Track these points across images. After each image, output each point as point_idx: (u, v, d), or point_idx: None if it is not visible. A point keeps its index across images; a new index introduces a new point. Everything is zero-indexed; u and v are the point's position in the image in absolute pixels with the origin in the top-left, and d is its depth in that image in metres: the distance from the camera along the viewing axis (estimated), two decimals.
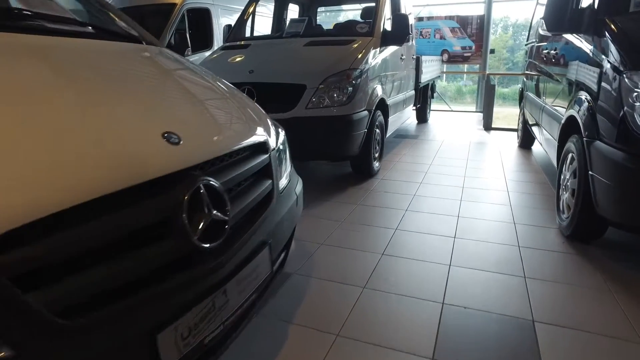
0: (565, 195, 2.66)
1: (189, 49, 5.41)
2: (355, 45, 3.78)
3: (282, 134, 1.85)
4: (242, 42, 4.34)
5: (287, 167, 1.82)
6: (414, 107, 6.71)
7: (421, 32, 10.06)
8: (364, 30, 4.06)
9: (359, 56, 3.62)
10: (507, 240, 2.66)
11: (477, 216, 3.09)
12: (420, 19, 10.09)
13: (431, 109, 8.48)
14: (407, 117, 5.98)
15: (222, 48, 4.40)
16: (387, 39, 4.11)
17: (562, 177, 2.80)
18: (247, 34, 5.15)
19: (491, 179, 4.10)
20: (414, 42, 6.04)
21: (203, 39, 6.00)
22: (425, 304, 1.96)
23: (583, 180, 2.30)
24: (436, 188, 3.80)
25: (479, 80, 10.15)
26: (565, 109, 2.80)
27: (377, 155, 4.22)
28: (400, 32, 4.07)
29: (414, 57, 5.90)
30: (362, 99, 3.61)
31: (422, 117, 7.88)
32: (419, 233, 2.80)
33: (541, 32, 3.70)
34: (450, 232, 2.80)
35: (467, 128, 7.37)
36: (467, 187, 3.80)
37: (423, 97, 7.29)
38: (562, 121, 2.79)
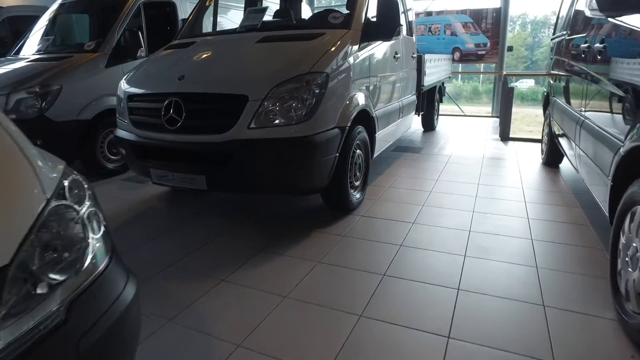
0: (634, 275, 1.64)
1: (142, 49, 4.54)
2: (324, 41, 2.82)
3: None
4: (189, 40, 3.43)
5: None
6: (418, 114, 5.71)
7: (430, 28, 9.03)
8: (338, 21, 3.10)
9: (326, 55, 2.67)
10: (535, 348, 1.68)
11: (486, 289, 2.10)
12: (428, 14, 9.05)
13: (440, 113, 7.45)
14: (407, 127, 4.98)
15: (165, 48, 3.50)
16: (371, 33, 3.14)
17: (621, 239, 1.80)
18: (210, 28, 4.25)
19: (508, 216, 3.09)
20: (414, 37, 5.04)
21: (167, 37, 5.12)
22: None
23: None
24: (433, 232, 2.82)
25: (495, 81, 9.05)
26: (625, 135, 1.80)
27: (358, 183, 3.26)
28: (387, 23, 3.10)
29: (414, 55, 4.90)
30: (330, 113, 2.66)
31: (428, 125, 6.86)
32: (394, 325, 1.83)
33: (589, 14, 2.64)
34: (442, 324, 1.83)
35: (481, 137, 6.33)
36: (475, 232, 2.81)
37: (428, 102, 6.27)
38: (621, 153, 1.79)
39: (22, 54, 4.84)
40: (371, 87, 3.31)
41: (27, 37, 5.06)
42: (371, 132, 3.41)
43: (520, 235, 2.73)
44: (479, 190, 3.69)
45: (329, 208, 3.21)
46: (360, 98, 3.07)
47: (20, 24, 6.20)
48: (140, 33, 4.42)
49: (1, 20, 6.20)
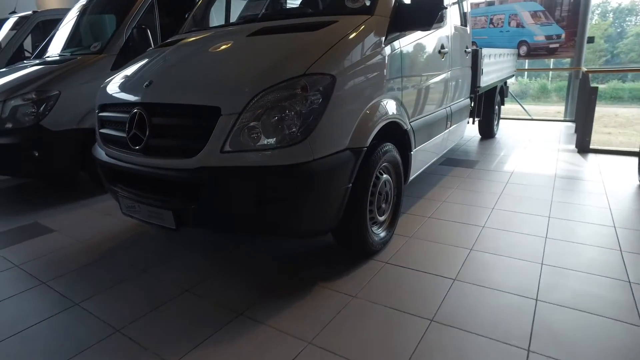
0: None
1: (152, 48, 4.05)
2: (332, 31, 2.09)
3: None
4: (179, 37, 2.85)
5: None
6: (472, 122, 4.79)
7: (491, 19, 7.92)
8: (358, 5, 2.35)
9: (333, 50, 1.94)
10: None
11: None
12: (490, 3, 7.95)
13: (500, 117, 6.39)
14: (458, 137, 4.10)
15: (158, 46, 2.95)
16: (403, 20, 2.36)
17: None
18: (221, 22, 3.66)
19: (595, 275, 2.19)
20: (469, 28, 4.13)
21: None
22: None
23: None
24: (483, 300, 2.00)
25: (570, 79, 7.75)
26: None
27: (384, 217, 2.50)
28: (426, 7, 2.30)
29: (469, 50, 4.01)
30: (337, 130, 1.93)
31: (486, 132, 5.85)
32: None
33: None
34: None
35: (552, 147, 5.24)
36: (544, 302, 1.95)
37: (486, 105, 5.30)
38: None
39: (37, 58, 4.57)
40: (405, 92, 2.53)
41: (48, 41, 4.80)
42: (405, 150, 2.64)
43: (623, 318, 1.84)
44: (550, 228, 2.77)
45: (341, 248, 2.48)
46: (389, 106, 2.30)
47: (54, 28, 6.06)
48: (148, 30, 3.93)
49: (35, 25, 6.08)
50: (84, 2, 4.74)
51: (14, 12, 6.30)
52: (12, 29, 6.06)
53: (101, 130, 2.41)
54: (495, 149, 5.28)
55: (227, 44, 2.27)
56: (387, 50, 2.29)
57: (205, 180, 1.86)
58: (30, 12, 6.02)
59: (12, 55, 5.78)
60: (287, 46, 2.01)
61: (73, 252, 2.70)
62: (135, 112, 2.05)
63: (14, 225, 3.25)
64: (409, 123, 2.62)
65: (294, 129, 1.78)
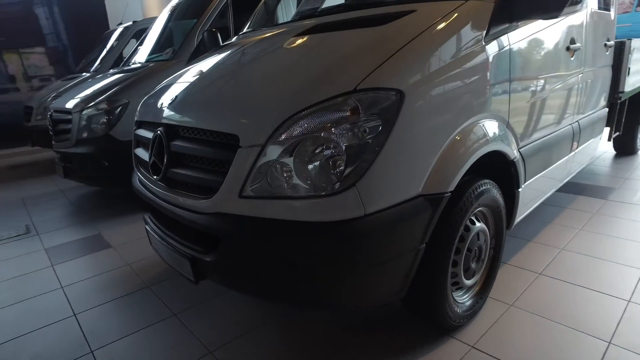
0: None
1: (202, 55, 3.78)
2: (405, 25, 1.46)
3: None
4: (233, 41, 2.44)
5: None
6: (609, 138, 3.71)
7: None
8: None
9: (402, 53, 1.32)
10: None
11: None
12: None
13: None
14: (587, 159, 3.13)
15: (206, 53, 2.58)
16: (518, 4, 1.64)
17: None
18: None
19: None
20: (613, 14, 3.11)
21: None
22: None
23: None
24: None
25: None
26: None
27: (472, 281, 1.81)
28: None
29: (610, 43, 3.01)
30: (403, 170, 1.31)
31: (624, 147, 4.61)
32: None
33: None
34: None
35: None
36: None
37: (630, 115, 4.11)
38: None
39: (124, 66, 4.62)
40: (514, 107, 1.80)
41: (135, 49, 4.85)
42: (511, 186, 1.91)
43: None
44: None
45: (413, 315, 1.85)
46: (488, 129, 1.62)
47: None
48: (218, 34, 3.65)
49: (134, 33, 6.32)
50: (169, 9, 4.69)
51: (120, 23, 6.65)
52: (117, 39, 6.37)
53: (135, 151, 2.10)
54: (637, 170, 4.08)
55: (266, 50, 1.78)
56: (489, 49, 1.60)
57: (219, 230, 1.39)
58: (130, 23, 6.28)
59: (114, 62, 6.08)
60: (336, 50, 1.45)
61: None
62: (157, 135, 1.67)
63: (81, 236, 3.19)
64: (518, 150, 1.88)
65: (336, 170, 1.22)
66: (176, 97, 1.71)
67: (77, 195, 4.39)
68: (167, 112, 1.69)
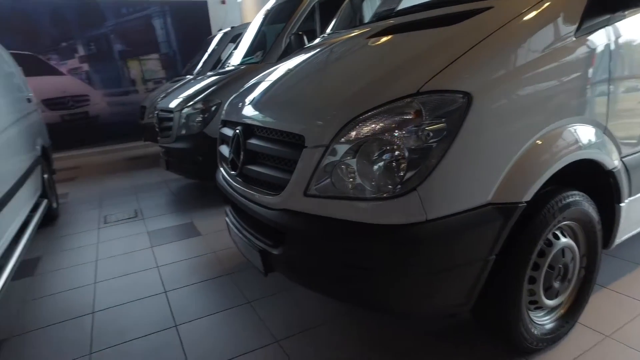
0: None
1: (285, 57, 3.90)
2: (479, 23, 1.38)
3: None
4: (317, 42, 2.51)
5: None
6: None
7: None
8: None
9: (470, 53, 1.25)
10: None
11: None
12: None
13: None
14: None
15: (298, 51, 2.68)
16: None
17: None
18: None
19: None
20: None
21: None
22: None
23: None
24: None
25: None
26: None
27: (556, 303, 1.65)
28: None
29: None
30: (470, 175, 1.25)
31: None
32: None
33: None
34: None
35: None
36: None
37: None
38: None
39: (220, 69, 4.99)
40: (613, 110, 1.60)
41: (230, 53, 5.22)
42: (607, 200, 1.70)
43: None
44: None
45: (483, 331, 1.74)
46: (580, 134, 1.47)
47: None
48: (305, 37, 3.78)
49: (232, 38, 6.79)
50: (262, 14, 4.96)
51: (220, 29, 7.19)
52: (217, 44, 6.90)
53: (219, 148, 2.28)
54: None
55: (336, 53, 1.81)
56: (582, 45, 1.44)
57: (286, 225, 1.46)
58: (229, 28, 6.76)
59: (213, 65, 6.60)
60: (404, 51, 1.43)
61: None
62: (235, 133, 1.80)
63: (177, 223, 3.54)
64: (620, 159, 1.67)
65: (398, 174, 1.21)
66: (254, 98, 1.83)
67: (177, 186, 4.86)
68: (245, 112, 1.81)
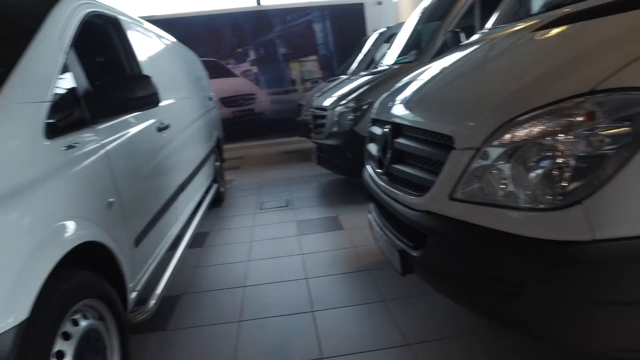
0: None
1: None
2: None
3: None
4: (478, 36, 2.35)
5: None
6: None
7: None
8: None
9: None
10: None
11: None
12: None
13: None
14: None
15: (453, 48, 2.57)
16: None
17: None
18: None
19: None
20: None
21: None
22: None
23: None
24: None
25: None
26: None
27: None
28: None
29: None
30: None
31: None
32: None
33: None
34: None
35: None
36: None
37: None
38: None
39: (372, 68, 5.09)
40: None
41: (384, 53, 5.27)
42: None
43: None
44: None
45: None
46: None
47: None
48: (462, 34, 3.58)
49: (386, 38, 6.84)
50: (417, 13, 4.88)
51: (375, 30, 7.32)
52: (372, 44, 7.05)
53: (367, 146, 2.33)
54: None
55: (493, 49, 1.65)
56: None
57: (428, 228, 1.42)
58: (384, 29, 6.83)
59: (367, 65, 6.77)
60: (575, 44, 1.23)
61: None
62: (384, 132, 1.83)
63: (322, 216, 3.77)
64: None
65: (560, 183, 1.06)
66: (404, 97, 1.82)
67: (326, 181, 5.15)
68: (394, 111, 1.82)
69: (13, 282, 1.03)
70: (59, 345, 1.19)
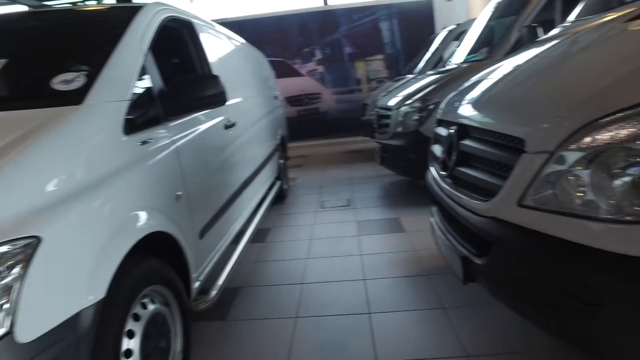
0: None
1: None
2: None
3: None
4: (555, 32, 2.17)
5: None
6: None
7: None
8: None
9: None
10: None
11: None
12: None
13: None
14: None
15: (529, 45, 2.40)
16: None
17: None
18: None
19: None
20: None
21: None
22: None
23: None
24: None
25: None
26: None
27: None
28: None
29: None
30: None
31: None
32: None
33: None
34: None
35: None
36: None
37: None
38: None
39: (441, 67, 4.91)
40: None
41: (453, 51, 5.07)
42: None
43: None
44: None
45: None
46: None
47: None
48: (539, 30, 3.33)
49: (456, 36, 6.57)
50: (490, 8, 4.63)
51: (444, 27, 7.07)
52: (441, 42, 6.82)
53: (432, 147, 2.25)
54: None
55: (579, 43, 1.50)
56: None
57: (493, 235, 1.34)
58: (454, 26, 6.57)
59: (434, 64, 6.56)
60: None
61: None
62: (449, 133, 1.75)
63: (383, 217, 3.72)
64: None
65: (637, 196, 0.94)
66: (472, 96, 1.73)
67: (389, 181, 5.07)
68: (461, 112, 1.73)
69: (93, 264, 1.13)
70: (130, 325, 1.29)
